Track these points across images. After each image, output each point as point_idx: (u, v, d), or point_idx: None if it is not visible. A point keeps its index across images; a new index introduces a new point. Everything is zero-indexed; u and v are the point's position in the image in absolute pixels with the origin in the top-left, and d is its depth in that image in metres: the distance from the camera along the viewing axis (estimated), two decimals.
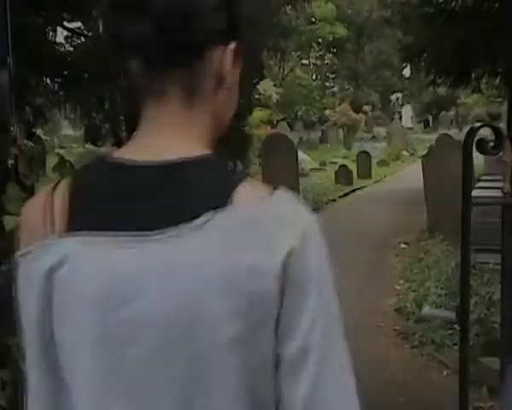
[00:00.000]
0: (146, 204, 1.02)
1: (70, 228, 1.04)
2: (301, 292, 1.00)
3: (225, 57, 1.13)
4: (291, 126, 35.26)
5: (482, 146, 2.33)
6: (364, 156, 23.53)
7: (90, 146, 17.47)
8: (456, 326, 5.95)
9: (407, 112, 58.92)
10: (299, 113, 42.35)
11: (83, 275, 1.01)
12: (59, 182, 1.11)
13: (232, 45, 1.13)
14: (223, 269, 0.96)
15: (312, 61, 46.85)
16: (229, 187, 1.01)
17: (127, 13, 1.04)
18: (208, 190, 1.02)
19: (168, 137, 1.09)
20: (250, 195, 1.00)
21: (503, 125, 2.94)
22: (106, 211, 1.03)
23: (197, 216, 0.98)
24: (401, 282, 8.33)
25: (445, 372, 5.37)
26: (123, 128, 18.08)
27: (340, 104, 42.83)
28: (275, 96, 31.80)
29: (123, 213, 1.02)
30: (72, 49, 15.50)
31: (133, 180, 1.04)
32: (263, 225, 0.98)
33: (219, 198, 0.99)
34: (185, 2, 1.04)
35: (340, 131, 36.91)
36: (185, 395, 0.99)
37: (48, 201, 1.09)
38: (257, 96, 21.63)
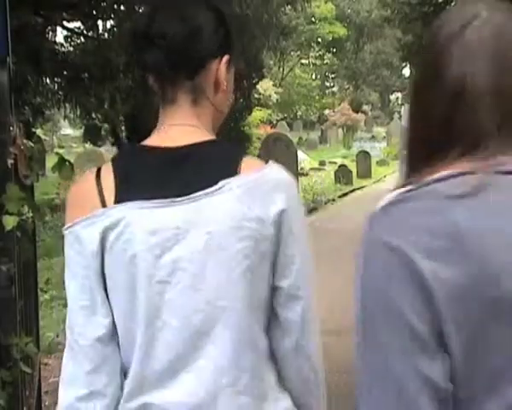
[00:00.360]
0: (171, 177, 1.42)
1: (119, 200, 1.40)
2: (290, 236, 1.42)
3: (220, 68, 1.51)
4: (290, 126, 35.32)
5: None
6: (364, 156, 23.55)
7: (89, 146, 17.48)
8: None
9: (407, 111, 58.97)
10: (299, 112, 42.44)
11: (134, 231, 1.37)
12: (100, 168, 1.47)
13: (225, 58, 1.52)
14: (237, 218, 1.38)
15: (312, 60, 46.87)
16: (235, 161, 1.44)
17: (146, 43, 1.47)
18: (218, 164, 1.43)
19: (181, 130, 1.47)
20: (251, 166, 1.44)
21: None
22: (144, 184, 1.42)
23: (213, 183, 1.38)
24: None
25: None
26: (122, 128, 18.09)
27: (339, 104, 42.83)
28: (274, 96, 31.85)
29: (156, 185, 1.41)
30: (71, 48, 15.53)
31: (160, 161, 1.44)
32: (263, 187, 1.41)
33: (229, 169, 1.41)
34: (188, 34, 1.45)
35: (340, 130, 36.93)
36: (202, 326, 1.40)
37: (96, 181, 1.44)
38: (256, 96, 21.66)
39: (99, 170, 1.47)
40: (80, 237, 1.41)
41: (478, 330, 0.98)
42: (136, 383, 1.43)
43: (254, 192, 1.40)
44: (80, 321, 1.44)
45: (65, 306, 5.53)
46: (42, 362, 4.97)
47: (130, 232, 1.38)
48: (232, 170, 1.41)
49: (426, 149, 1.16)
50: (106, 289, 1.42)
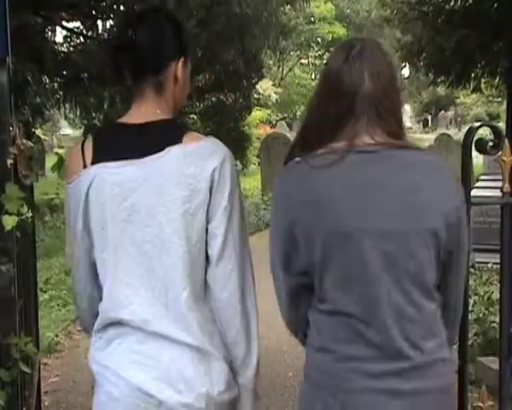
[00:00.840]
0: (133, 143, 1.98)
1: (95, 161, 1.97)
2: (219, 190, 1.94)
3: (178, 67, 2.06)
4: (290, 126, 35.24)
5: (481, 146, 2.33)
6: None
7: None
8: None
9: (406, 112, 58.94)
10: (298, 112, 42.36)
11: (104, 185, 1.93)
12: (85, 139, 2.05)
13: (182, 59, 2.06)
14: (177, 174, 1.92)
15: (311, 60, 46.77)
16: (180, 133, 1.99)
17: (124, 50, 1.99)
18: (168, 135, 1.98)
19: (146, 112, 2.05)
20: (191, 138, 1.98)
21: (502, 125, 2.95)
22: (114, 149, 1.98)
23: (162, 149, 1.93)
24: None
25: None
26: None
27: None
28: (274, 96, 31.83)
29: (121, 150, 1.96)
30: (71, 48, 15.52)
31: (127, 132, 2.02)
32: (200, 153, 1.95)
33: (175, 140, 1.96)
34: (153, 42, 1.99)
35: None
36: (151, 253, 1.93)
37: (80, 150, 2.02)
38: (256, 96, 21.64)
39: (83, 141, 2.06)
40: (71, 193, 2.03)
41: (326, 253, 1.76)
42: (108, 302, 1.99)
43: (191, 156, 1.94)
44: (79, 271, 2.11)
45: (64, 306, 5.58)
46: (41, 362, 4.97)
47: (101, 185, 1.95)
48: (177, 140, 1.97)
49: (314, 137, 1.84)
50: (89, 239, 2.01)
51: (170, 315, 1.93)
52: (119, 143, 2.02)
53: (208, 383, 1.94)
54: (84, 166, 1.99)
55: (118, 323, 1.96)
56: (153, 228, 1.93)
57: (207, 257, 2.00)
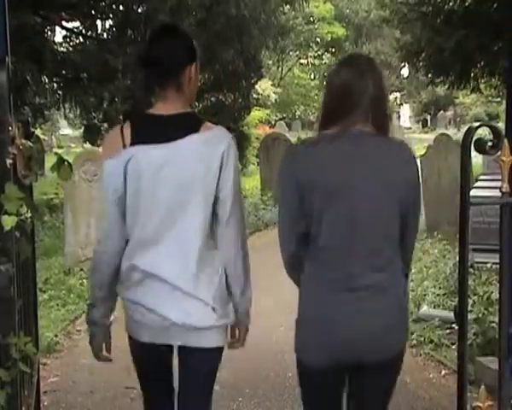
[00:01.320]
0: (162, 131, 2.61)
1: (133, 143, 2.60)
2: (227, 169, 2.61)
3: (191, 70, 2.73)
4: (289, 126, 35.25)
5: (480, 146, 2.33)
6: None
7: (88, 146, 17.44)
8: (454, 326, 5.95)
9: (405, 112, 58.91)
10: (298, 112, 42.37)
11: (141, 161, 2.56)
12: (123, 124, 2.67)
13: (194, 65, 2.73)
14: (197, 155, 2.59)
15: (311, 60, 46.72)
16: (198, 124, 2.65)
17: (151, 62, 2.66)
18: (188, 125, 2.64)
19: (170, 106, 2.67)
20: (206, 127, 2.65)
21: (501, 125, 2.95)
22: (147, 135, 2.60)
23: (184, 136, 2.59)
24: None
25: (443, 372, 5.38)
26: None
27: None
28: (273, 96, 31.80)
29: (153, 135, 2.59)
30: (70, 48, 15.50)
31: (156, 121, 2.66)
32: (213, 139, 2.62)
33: (193, 128, 2.62)
34: (169, 56, 2.65)
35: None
36: (174, 213, 2.61)
37: (120, 133, 2.65)
38: (255, 96, 21.66)
39: (122, 127, 2.69)
40: (111, 165, 2.66)
41: (323, 205, 2.49)
42: (134, 251, 2.68)
43: (206, 142, 2.64)
44: (105, 223, 2.77)
45: (63, 306, 5.58)
46: (41, 362, 4.97)
47: (137, 162, 2.60)
48: (196, 129, 2.66)
49: (326, 122, 2.62)
50: (123, 208, 2.68)
51: (183, 263, 2.63)
52: (151, 130, 2.68)
53: (211, 311, 2.68)
54: (124, 146, 2.64)
55: (142, 270, 2.66)
56: (177, 195, 2.62)
57: (216, 218, 2.70)
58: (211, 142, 2.64)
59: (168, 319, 2.63)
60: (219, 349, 2.80)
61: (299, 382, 2.83)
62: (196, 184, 2.61)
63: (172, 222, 2.62)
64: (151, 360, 2.93)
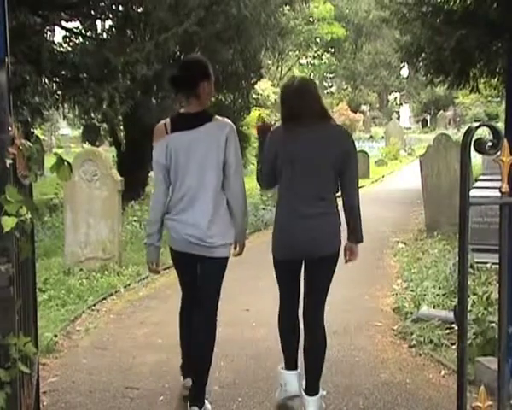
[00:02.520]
0: (190, 123, 4.36)
1: (171, 131, 4.38)
2: (230, 145, 4.34)
3: (204, 85, 4.44)
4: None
5: (480, 146, 2.33)
6: (362, 156, 23.54)
7: (87, 146, 17.42)
8: (453, 326, 5.95)
9: (405, 112, 58.84)
10: None
11: (177, 142, 4.34)
12: (166, 121, 4.47)
13: (206, 81, 4.45)
14: (211, 136, 4.35)
15: (310, 60, 46.83)
16: (210, 117, 4.41)
17: (180, 82, 4.48)
18: (205, 117, 4.39)
19: (191, 108, 4.42)
20: (216, 119, 4.41)
21: (500, 125, 2.95)
22: (180, 125, 4.38)
23: (202, 125, 4.35)
24: (399, 281, 8.34)
25: (442, 372, 5.37)
26: (121, 128, 18.02)
27: (337, 104, 42.80)
28: (272, 96, 31.78)
29: (183, 125, 4.37)
30: (70, 49, 15.47)
31: (184, 117, 4.46)
32: (220, 126, 4.37)
33: (207, 119, 4.38)
34: (192, 75, 4.42)
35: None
36: (201, 172, 4.36)
37: (164, 125, 4.44)
38: (255, 96, 21.65)
39: (165, 122, 4.43)
40: (159, 146, 4.38)
41: (284, 165, 4.36)
42: (172, 202, 4.42)
43: (216, 127, 4.34)
44: (160, 183, 4.43)
45: (63, 306, 5.57)
46: (40, 362, 4.97)
47: (175, 143, 4.32)
48: (208, 120, 4.36)
49: (285, 118, 4.48)
50: (169, 171, 4.37)
51: (204, 200, 4.33)
52: (181, 122, 4.42)
53: (224, 233, 4.41)
54: (167, 133, 4.39)
55: (180, 209, 4.39)
56: (201, 161, 4.32)
57: (225, 174, 4.37)
58: (219, 127, 4.39)
59: (192, 237, 4.36)
60: (225, 258, 4.51)
61: (274, 270, 4.73)
62: (211, 155, 4.35)
63: (199, 179, 4.35)
64: (180, 261, 4.60)
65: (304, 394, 4.52)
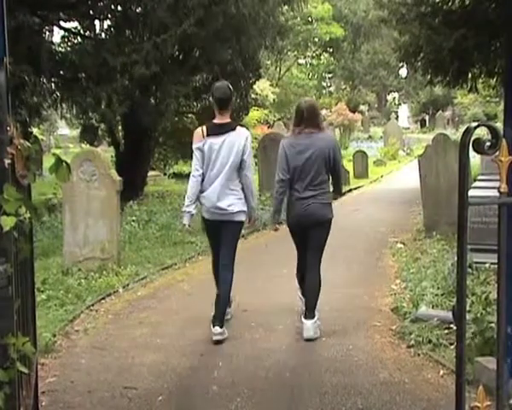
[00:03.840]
0: (220, 130, 6.38)
1: (207, 136, 6.36)
2: (246, 149, 6.38)
3: (231, 102, 6.67)
4: (287, 126, 35.19)
5: (478, 146, 2.33)
6: (361, 156, 23.57)
7: (86, 146, 17.41)
8: (452, 326, 5.95)
9: (403, 112, 58.90)
10: None
11: (210, 144, 6.34)
12: (202, 127, 6.51)
13: (231, 101, 6.69)
14: (233, 141, 6.34)
15: (309, 60, 46.79)
16: (235, 126, 6.51)
17: (220, 100, 6.48)
18: (231, 127, 6.43)
19: (222, 119, 6.44)
20: (238, 128, 6.51)
21: (499, 125, 2.95)
22: (212, 132, 6.37)
23: (228, 132, 6.38)
24: (397, 282, 8.34)
25: (441, 372, 5.37)
26: (119, 128, 18.01)
27: (336, 104, 42.77)
28: (271, 96, 31.79)
29: (215, 132, 6.37)
30: (68, 49, 15.46)
31: (216, 126, 6.44)
32: (241, 135, 6.41)
33: (232, 129, 6.42)
34: (227, 98, 6.48)
35: (337, 130, 36.87)
36: (224, 166, 6.36)
37: (201, 130, 6.45)
38: (253, 96, 21.62)
39: (202, 128, 6.46)
40: (198, 147, 6.37)
41: (295, 168, 6.40)
42: (204, 183, 6.41)
43: (238, 135, 6.38)
44: (196, 169, 6.38)
45: (62, 306, 5.56)
46: (39, 362, 4.97)
47: (209, 145, 6.32)
48: (233, 129, 6.41)
49: (295, 126, 6.61)
50: (203, 162, 6.37)
51: (225, 184, 6.32)
52: (215, 129, 6.35)
53: (238, 205, 6.36)
54: (203, 137, 6.31)
55: (206, 188, 6.35)
56: (224, 159, 6.29)
57: (241, 167, 6.34)
58: (239, 134, 6.37)
59: (211, 208, 6.36)
60: (242, 222, 6.53)
61: (291, 235, 6.68)
62: (233, 154, 6.29)
63: (219, 170, 6.31)
64: (210, 227, 6.59)
65: (303, 319, 6.36)
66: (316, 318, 6.29)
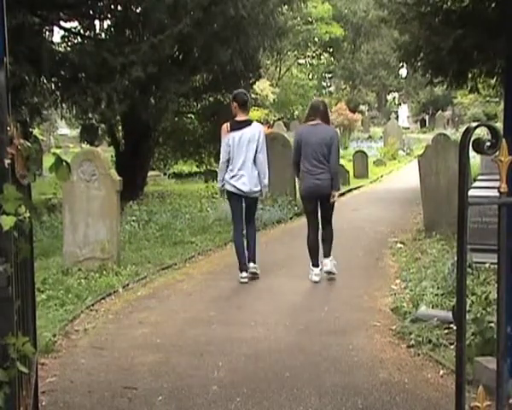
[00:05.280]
0: (241, 125, 8.68)
1: (231, 131, 8.69)
2: (260, 138, 8.70)
3: (249, 104, 9.94)
4: (287, 126, 35.24)
5: (478, 146, 2.33)
6: (361, 156, 23.56)
7: (86, 145, 17.41)
8: (452, 326, 5.95)
9: (403, 111, 58.90)
10: (296, 112, 42.35)
11: (233, 138, 8.63)
12: (227, 123, 8.85)
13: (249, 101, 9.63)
14: (252, 134, 8.67)
15: (309, 60, 46.78)
16: (251, 122, 8.92)
17: (239, 102, 8.83)
18: (248, 123, 8.81)
19: (242, 116, 8.77)
20: (254, 123, 8.98)
21: (499, 125, 2.95)
22: (235, 127, 8.66)
23: (247, 127, 8.71)
24: (397, 282, 8.34)
25: (441, 372, 5.37)
26: (119, 128, 17.99)
27: (336, 104, 42.80)
28: (271, 96, 31.81)
29: (237, 127, 8.66)
30: (68, 48, 15.45)
31: (238, 122, 8.72)
32: (256, 128, 8.83)
33: (250, 124, 8.79)
34: (245, 98, 8.94)
35: (337, 130, 36.85)
36: (246, 153, 8.66)
37: (226, 126, 8.79)
38: (253, 96, 21.63)
39: (226, 124, 8.79)
40: (224, 140, 8.69)
41: (307, 150, 8.63)
42: (231, 168, 8.69)
43: (253, 129, 8.70)
44: (224, 157, 8.73)
45: (62, 306, 5.56)
46: (39, 362, 4.96)
47: (233, 138, 8.60)
48: (250, 124, 8.76)
49: (309, 117, 8.93)
50: (229, 151, 8.64)
51: (248, 168, 8.62)
52: (237, 125, 8.64)
53: (256, 186, 8.70)
54: (228, 132, 8.63)
55: (236, 174, 8.60)
56: (246, 148, 8.57)
57: (257, 152, 8.63)
58: (255, 128, 8.70)
59: (243, 189, 8.60)
60: (257, 198, 8.96)
61: (302, 204, 9.36)
62: (251, 143, 8.54)
63: (244, 157, 8.53)
64: (235, 201, 8.73)
65: (324, 258, 8.78)
66: (331, 257, 8.79)
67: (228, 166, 8.66)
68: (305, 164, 8.58)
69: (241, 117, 8.65)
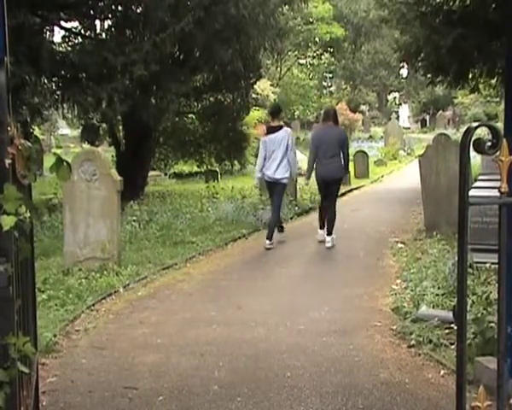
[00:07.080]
0: (275, 130, 11.34)
1: (266, 134, 11.55)
2: (289, 139, 11.32)
3: (281, 113, 12.63)
4: (288, 126, 35.21)
5: (479, 146, 2.33)
6: (361, 156, 23.55)
7: (87, 145, 17.39)
8: (453, 326, 5.95)
9: (404, 111, 58.89)
10: (297, 112, 42.37)
11: (269, 140, 11.38)
12: (264, 127, 13.67)
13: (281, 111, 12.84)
14: (282, 137, 11.22)
15: (309, 60, 46.76)
16: (282, 127, 11.54)
17: (273, 113, 11.94)
18: (280, 128, 11.42)
19: (275, 122, 11.55)
20: (284, 128, 11.57)
21: (500, 125, 2.94)
22: (271, 131, 11.41)
23: (279, 130, 11.34)
24: (398, 281, 8.34)
25: (442, 372, 5.37)
26: (120, 128, 17.98)
27: (337, 104, 42.76)
28: (272, 96, 31.80)
29: (271, 131, 11.39)
30: (69, 48, 15.43)
31: (272, 127, 11.49)
32: (286, 131, 11.44)
33: (281, 128, 11.42)
34: (277, 109, 12.17)
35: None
36: (278, 151, 11.27)
37: (263, 130, 12.47)
38: (254, 96, 21.61)
39: (264, 128, 12.54)
40: (262, 141, 11.60)
41: (321, 146, 11.34)
42: (266, 163, 11.33)
43: (285, 132, 11.30)
44: (262, 154, 11.38)
45: (62, 306, 5.57)
46: (39, 362, 4.96)
47: (269, 139, 11.26)
48: (281, 128, 11.35)
49: (324, 121, 11.91)
50: (266, 150, 11.30)
51: (280, 160, 11.13)
52: (270, 130, 11.37)
53: (287, 173, 11.24)
54: (265, 135, 11.48)
55: (268, 164, 11.20)
56: (278, 147, 11.13)
57: (288, 150, 11.18)
58: (285, 131, 11.28)
59: (275, 176, 11.14)
60: (286, 184, 11.47)
61: (317, 186, 11.88)
62: (282, 143, 11.08)
63: (276, 154, 11.09)
64: (269, 185, 11.52)
65: (326, 236, 10.99)
66: (332, 235, 10.99)
67: (265, 160, 11.17)
68: (319, 156, 11.17)
69: (274, 123, 11.46)
